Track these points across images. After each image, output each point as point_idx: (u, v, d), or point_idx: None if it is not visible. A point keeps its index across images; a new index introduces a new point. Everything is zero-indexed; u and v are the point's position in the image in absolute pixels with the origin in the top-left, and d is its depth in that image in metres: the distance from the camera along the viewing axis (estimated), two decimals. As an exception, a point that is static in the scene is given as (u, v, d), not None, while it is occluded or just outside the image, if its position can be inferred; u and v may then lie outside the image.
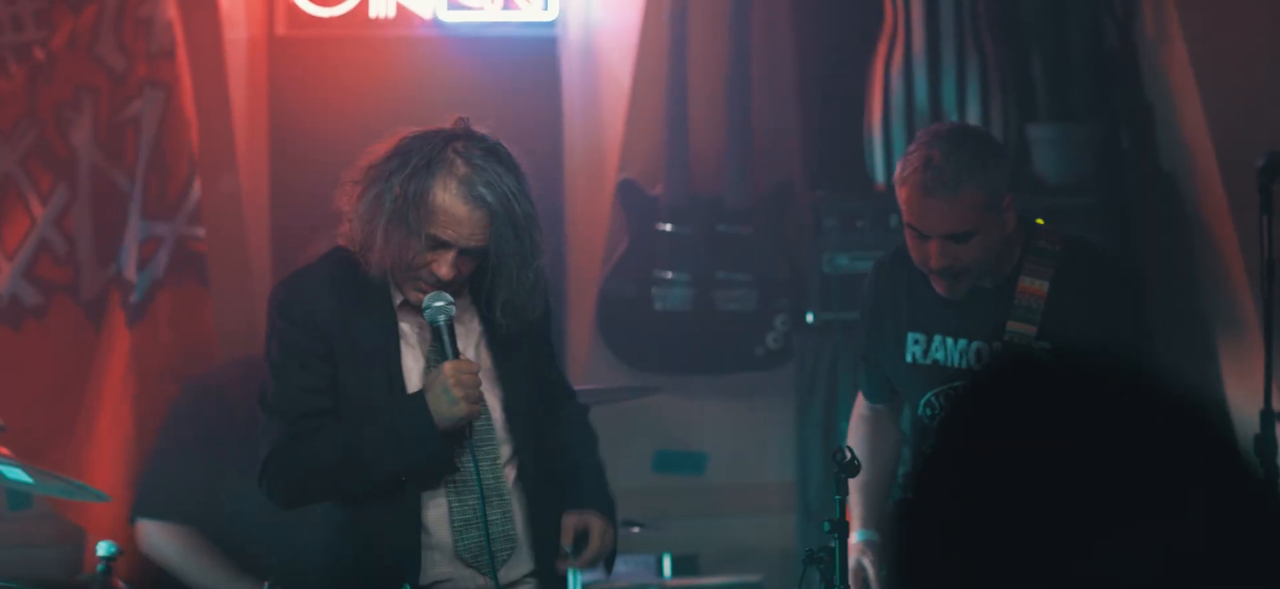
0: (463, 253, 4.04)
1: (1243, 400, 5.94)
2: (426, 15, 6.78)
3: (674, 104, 6.73)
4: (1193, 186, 6.72)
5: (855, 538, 4.66)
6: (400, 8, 6.77)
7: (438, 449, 4.07)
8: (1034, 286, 4.51)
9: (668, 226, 6.78)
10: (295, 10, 6.73)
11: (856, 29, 6.84)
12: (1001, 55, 6.76)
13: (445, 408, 4.03)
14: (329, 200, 4.18)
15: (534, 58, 6.81)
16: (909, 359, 4.63)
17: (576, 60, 6.84)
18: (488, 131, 4.11)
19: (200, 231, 6.16)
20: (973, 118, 6.57)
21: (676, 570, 6.72)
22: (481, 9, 6.79)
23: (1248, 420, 5.18)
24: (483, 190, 4.00)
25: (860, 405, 4.86)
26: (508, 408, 4.21)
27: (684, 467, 6.90)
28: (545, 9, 6.81)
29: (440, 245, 4.02)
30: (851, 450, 4.30)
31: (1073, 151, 6.71)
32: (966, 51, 6.72)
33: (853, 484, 4.53)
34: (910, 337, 4.62)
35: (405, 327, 4.16)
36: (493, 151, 4.05)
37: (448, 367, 4.03)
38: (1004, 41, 6.78)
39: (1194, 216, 6.71)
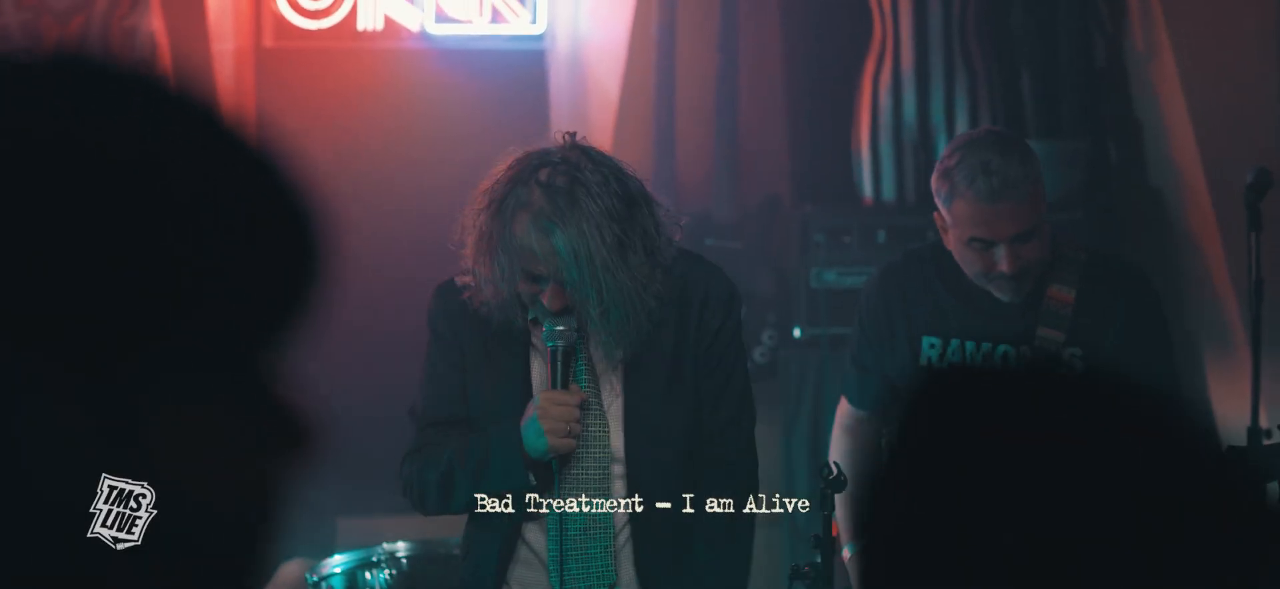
0: (561, 283, 3.80)
1: (1230, 417, 5.93)
2: (414, 28, 6.77)
3: (662, 118, 6.72)
4: (1181, 202, 6.71)
5: (847, 552, 4.63)
6: (388, 20, 6.76)
7: (521, 481, 3.89)
8: (1062, 293, 4.51)
9: (655, 240, 6.76)
10: (283, 22, 6.72)
11: (845, 43, 6.84)
12: (990, 70, 6.75)
13: (532, 439, 3.83)
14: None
15: (522, 71, 6.80)
16: (924, 363, 4.59)
17: (564, 74, 6.83)
18: (594, 145, 3.85)
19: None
20: (961, 132, 6.56)
21: (663, 585, 6.70)
22: (469, 22, 6.79)
23: (1235, 437, 5.17)
24: (548, 224, 3.71)
25: (845, 414, 4.80)
26: (630, 446, 3.95)
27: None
28: (533, 22, 6.81)
29: (535, 278, 3.79)
30: (838, 465, 4.27)
31: (1061, 166, 6.70)
32: (955, 66, 6.71)
33: (840, 498, 4.50)
34: (926, 340, 4.58)
35: (536, 340, 3.94)
36: (578, 181, 3.74)
37: (543, 397, 3.83)
38: (993, 56, 6.78)
39: (1182, 232, 6.71)
